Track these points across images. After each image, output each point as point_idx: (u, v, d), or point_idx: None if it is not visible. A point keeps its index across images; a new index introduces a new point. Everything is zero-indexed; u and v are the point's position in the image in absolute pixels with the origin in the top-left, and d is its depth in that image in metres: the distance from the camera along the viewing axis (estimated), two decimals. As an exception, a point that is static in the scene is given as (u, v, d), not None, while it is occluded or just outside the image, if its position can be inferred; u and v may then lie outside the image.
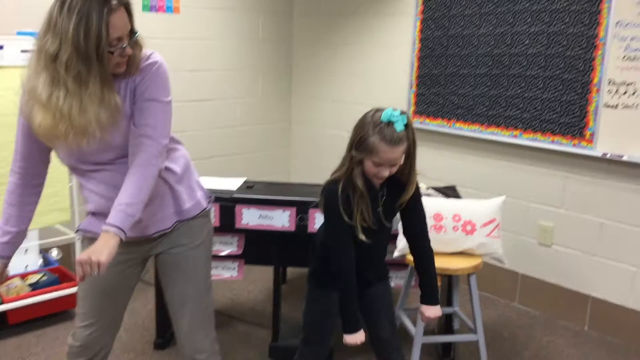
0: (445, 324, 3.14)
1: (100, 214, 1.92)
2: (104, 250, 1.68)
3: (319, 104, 4.88)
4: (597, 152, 3.28)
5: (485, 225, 2.82)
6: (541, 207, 3.64)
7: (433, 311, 2.20)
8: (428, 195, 3.06)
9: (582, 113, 3.32)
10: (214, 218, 2.97)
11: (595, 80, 3.24)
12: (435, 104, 4.01)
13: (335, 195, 2.02)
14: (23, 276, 3.40)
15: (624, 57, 3.11)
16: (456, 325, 3.15)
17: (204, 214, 2.08)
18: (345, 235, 2.05)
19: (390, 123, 1.93)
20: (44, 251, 3.71)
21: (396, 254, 2.83)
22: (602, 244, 3.41)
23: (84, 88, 1.67)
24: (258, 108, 4.89)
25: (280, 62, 4.96)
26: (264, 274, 4.00)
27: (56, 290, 3.32)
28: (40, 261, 3.62)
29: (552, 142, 3.47)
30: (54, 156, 1.93)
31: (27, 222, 1.95)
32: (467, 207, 2.87)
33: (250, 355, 3.12)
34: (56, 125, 1.69)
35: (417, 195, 2.15)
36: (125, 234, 1.74)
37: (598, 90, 3.23)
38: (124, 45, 1.72)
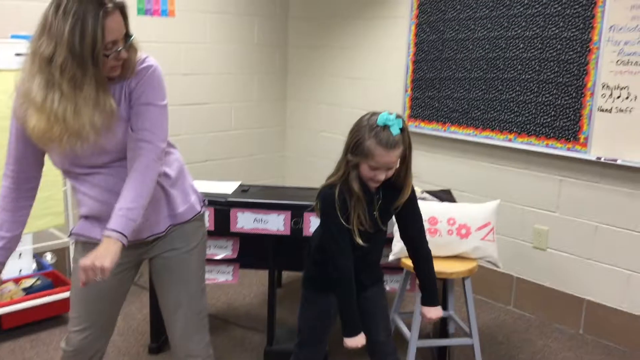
0: (441, 328, 3.14)
1: (94, 218, 1.92)
2: (106, 255, 1.68)
3: (314, 108, 4.89)
4: (591, 155, 3.29)
5: (480, 228, 2.82)
6: (536, 210, 3.65)
7: (434, 312, 2.23)
8: (423, 199, 3.06)
9: (576, 117, 3.33)
10: (209, 222, 2.96)
11: (589, 84, 3.25)
12: (430, 107, 4.02)
13: (332, 199, 2.03)
14: (17, 280, 3.38)
15: (617, 61, 3.13)
16: (451, 329, 3.14)
17: (198, 217, 2.08)
18: (343, 239, 2.05)
19: (386, 127, 1.94)
20: (38, 255, 3.70)
21: (391, 257, 2.83)
22: (597, 247, 3.42)
23: (78, 91, 1.67)
24: (253, 112, 4.89)
25: (275, 66, 4.96)
26: (259, 278, 3.99)
27: (50, 294, 3.31)
28: (34, 265, 3.60)
29: (547, 145, 3.48)
30: (47, 160, 1.92)
31: (21, 227, 1.94)
32: (462, 211, 2.87)
33: (245, 359, 3.11)
34: (51, 128, 1.68)
35: (413, 198, 2.16)
36: (127, 238, 1.74)
37: (592, 94, 3.25)
38: (119, 49, 1.72)
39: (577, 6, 3.25)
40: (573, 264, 3.52)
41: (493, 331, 3.52)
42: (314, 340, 2.29)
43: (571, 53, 3.31)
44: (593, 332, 3.47)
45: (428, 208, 2.81)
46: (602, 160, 3.25)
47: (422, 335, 2.84)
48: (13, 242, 1.93)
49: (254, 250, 3.08)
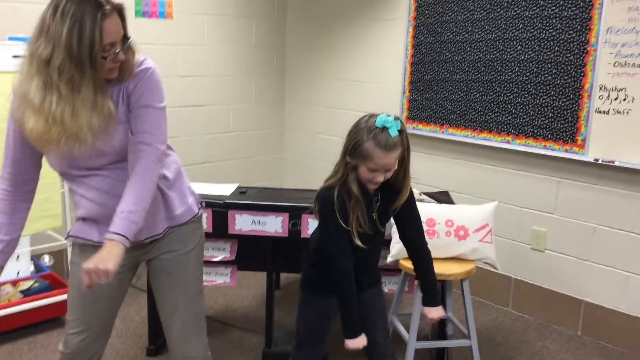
0: (439, 330, 3.13)
1: (91, 220, 1.92)
2: (109, 258, 1.69)
3: (312, 110, 4.89)
4: (588, 157, 3.30)
5: (478, 230, 2.83)
6: (534, 212, 3.65)
7: (435, 312, 2.25)
8: (421, 200, 3.06)
9: (573, 118, 3.33)
10: (207, 224, 2.96)
11: (587, 86, 3.26)
12: (427, 109, 4.02)
13: (331, 201, 2.03)
14: (14, 283, 3.37)
15: (614, 63, 3.13)
16: (450, 330, 3.14)
17: (196, 219, 2.08)
18: (342, 241, 2.05)
19: (384, 129, 1.94)
20: (35, 257, 3.69)
21: (389, 259, 2.83)
22: (595, 248, 3.42)
23: (76, 93, 1.67)
24: (251, 114, 4.89)
25: (273, 68, 4.96)
26: (257, 280, 3.99)
27: (48, 296, 3.30)
28: (32, 268, 3.60)
29: (544, 147, 3.48)
30: (44, 162, 1.91)
31: (19, 230, 1.93)
32: (460, 213, 2.87)
33: (244, 361, 3.12)
34: (49, 130, 1.68)
35: (412, 199, 2.17)
36: (129, 241, 1.74)
37: (589, 96, 3.25)
38: (117, 51, 1.72)
39: (574, 8, 3.26)
40: (571, 265, 3.53)
41: (491, 332, 3.52)
42: (312, 342, 2.29)
43: (568, 55, 3.31)
44: (591, 333, 3.48)
45: (426, 210, 2.81)
46: (600, 161, 3.26)
47: (420, 337, 2.84)
48: (11, 246, 1.92)
49: (252, 252, 3.08)
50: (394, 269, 2.91)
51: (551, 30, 3.37)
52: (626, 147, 3.15)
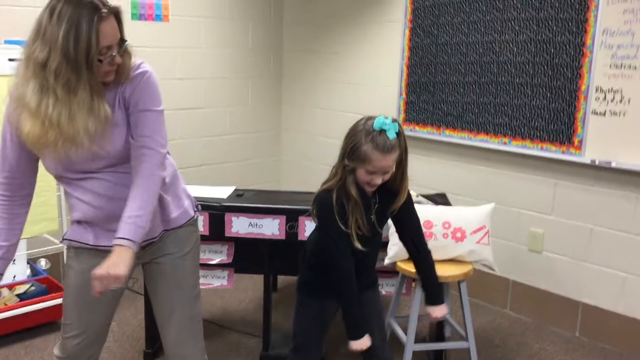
0: (437, 332, 3.14)
1: (87, 223, 1.91)
2: (120, 263, 1.69)
3: (309, 112, 4.89)
4: (585, 159, 3.30)
5: (475, 232, 2.83)
6: (531, 213, 3.65)
7: (439, 311, 2.26)
8: (418, 202, 3.06)
9: (570, 120, 3.34)
10: (204, 227, 2.96)
11: (583, 88, 3.26)
12: (424, 111, 4.02)
13: (330, 204, 2.03)
14: (11, 286, 3.36)
15: (610, 64, 3.14)
16: (447, 332, 3.14)
17: (191, 222, 2.08)
18: (343, 243, 2.06)
19: (382, 131, 1.95)
20: (32, 261, 3.68)
21: (387, 261, 2.83)
22: (592, 250, 3.42)
23: (73, 96, 1.67)
24: (248, 116, 4.88)
25: (270, 70, 4.96)
26: (254, 283, 3.98)
27: (44, 300, 3.29)
28: (29, 271, 3.58)
29: (541, 149, 3.48)
30: (40, 165, 1.91)
31: (18, 235, 1.92)
32: (457, 214, 2.87)
33: (241, 364, 3.11)
34: (45, 133, 1.68)
35: (410, 200, 2.18)
36: (137, 246, 1.75)
37: (586, 98, 3.26)
38: (114, 54, 1.71)
39: (570, 10, 3.27)
40: (568, 266, 3.53)
41: (489, 334, 3.52)
42: (309, 345, 2.29)
43: (565, 57, 3.32)
44: (589, 334, 3.48)
45: (423, 212, 2.81)
46: (597, 163, 3.26)
47: (418, 339, 2.84)
48: (11, 252, 1.91)
49: (249, 255, 3.07)
50: (392, 271, 2.90)
51: (547, 33, 3.37)
52: (623, 148, 3.16)
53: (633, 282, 3.28)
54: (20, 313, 3.21)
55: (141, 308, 3.32)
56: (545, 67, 3.40)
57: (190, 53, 4.42)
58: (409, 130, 4.07)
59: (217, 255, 3.06)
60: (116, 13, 1.72)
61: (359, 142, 1.96)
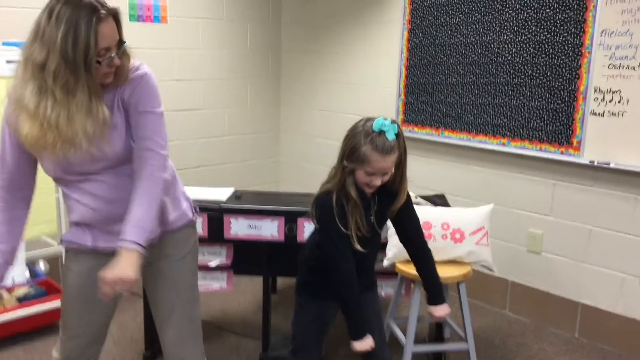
0: (436, 333, 3.13)
1: (85, 224, 1.91)
2: (128, 266, 1.69)
3: (308, 113, 4.88)
4: (584, 159, 3.30)
5: (474, 233, 2.83)
6: (530, 214, 3.65)
7: (441, 310, 2.25)
8: (417, 203, 3.06)
9: (569, 121, 3.34)
10: (203, 228, 2.95)
11: (582, 88, 3.26)
12: (423, 112, 4.02)
13: (330, 206, 2.03)
14: (10, 289, 3.35)
15: (609, 65, 3.14)
16: (447, 333, 3.14)
17: (190, 224, 2.07)
18: (343, 245, 2.05)
19: (381, 132, 1.95)
20: (30, 263, 3.67)
21: (386, 262, 2.83)
22: (591, 250, 3.42)
23: (71, 97, 1.66)
24: (246, 117, 4.88)
25: (268, 71, 4.96)
26: (253, 285, 3.97)
27: (44, 303, 3.28)
28: (27, 274, 3.57)
29: (540, 149, 3.49)
30: (39, 167, 1.90)
31: (18, 239, 1.90)
32: (456, 215, 2.87)
33: (240, 366, 3.10)
34: (44, 135, 1.67)
35: (409, 201, 2.18)
36: (143, 248, 1.74)
37: (584, 98, 3.26)
38: (112, 55, 1.71)
39: (568, 11, 3.27)
40: (568, 267, 3.53)
41: (488, 335, 3.51)
42: (309, 347, 2.28)
43: (563, 57, 3.32)
44: (588, 335, 3.48)
45: (422, 213, 2.80)
46: (595, 163, 3.26)
47: (417, 341, 2.84)
48: (11, 257, 1.90)
49: (248, 257, 3.07)
50: (391, 272, 2.90)
51: (545, 33, 3.37)
52: (621, 148, 3.16)
53: (632, 283, 3.29)
54: (20, 316, 3.20)
55: (140, 310, 3.31)
56: (544, 68, 3.40)
57: (188, 54, 4.42)
58: (408, 132, 4.07)
59: (216, 257, 3.06)
60: (115, 14, 1.72)
61: (358, 144, 1.96)
